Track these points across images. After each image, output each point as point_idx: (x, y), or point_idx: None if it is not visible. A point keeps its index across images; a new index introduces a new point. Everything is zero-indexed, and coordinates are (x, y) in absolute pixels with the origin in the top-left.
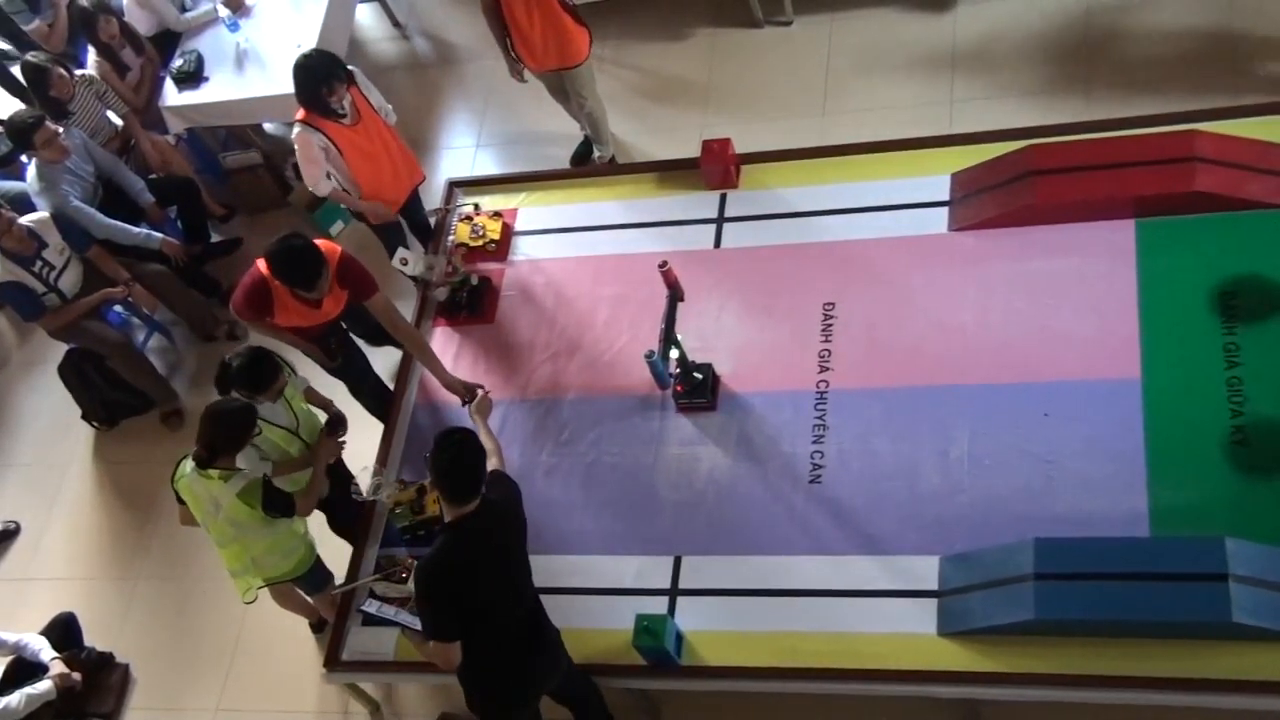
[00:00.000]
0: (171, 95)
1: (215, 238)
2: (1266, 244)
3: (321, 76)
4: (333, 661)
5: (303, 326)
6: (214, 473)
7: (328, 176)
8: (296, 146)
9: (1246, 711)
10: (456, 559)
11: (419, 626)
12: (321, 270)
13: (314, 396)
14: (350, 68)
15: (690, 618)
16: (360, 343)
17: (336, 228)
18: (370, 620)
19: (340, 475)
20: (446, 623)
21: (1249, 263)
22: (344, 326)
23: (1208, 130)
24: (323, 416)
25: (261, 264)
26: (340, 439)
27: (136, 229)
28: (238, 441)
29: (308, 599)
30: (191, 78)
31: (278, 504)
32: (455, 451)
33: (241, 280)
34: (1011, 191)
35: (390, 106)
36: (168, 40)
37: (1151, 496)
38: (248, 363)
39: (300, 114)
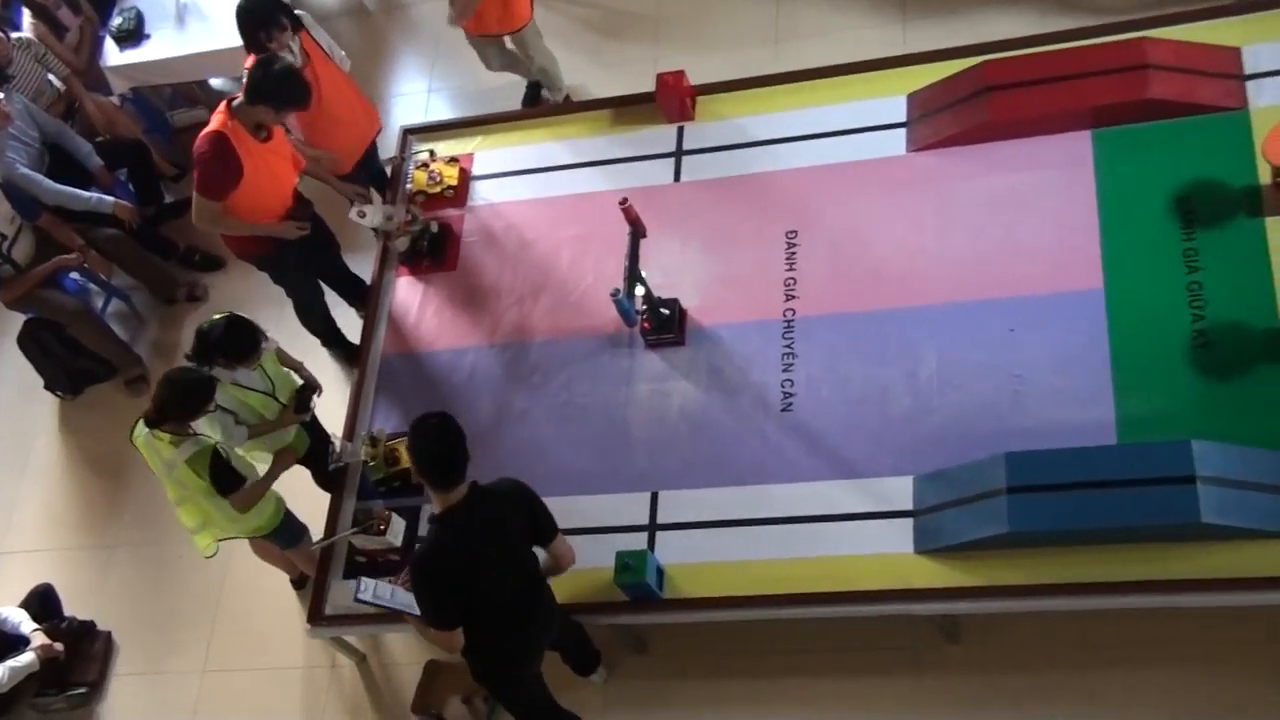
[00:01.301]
0: (113, 55)
1: (168, 198)
2: (1220, 147)
3: (261, 20)
4: (316, 616)
5: (270, 194)
6: (165, 436)
7: None
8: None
9: (1220, 609)
10: (449, 552)
11: (416, 610)
12: (302, 75)
13: (286, 359)
14: (299, 13)
15: (670, 551)
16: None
17: None
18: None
19: (320, 432)
20: (446, 613)
21: (1204, 167)
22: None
23: (1159, 36)
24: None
25: (211, 126)
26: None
27: (87, 194)
28: (190, 412)
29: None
30: (132, 36)
31: (224, 480)
32: (434, 435)
33: (199, 156)
34: (968, 109)
35: (344, 53)
36: None
37: (1118, 404)
38: (226, 330)
39: (249, 61)
